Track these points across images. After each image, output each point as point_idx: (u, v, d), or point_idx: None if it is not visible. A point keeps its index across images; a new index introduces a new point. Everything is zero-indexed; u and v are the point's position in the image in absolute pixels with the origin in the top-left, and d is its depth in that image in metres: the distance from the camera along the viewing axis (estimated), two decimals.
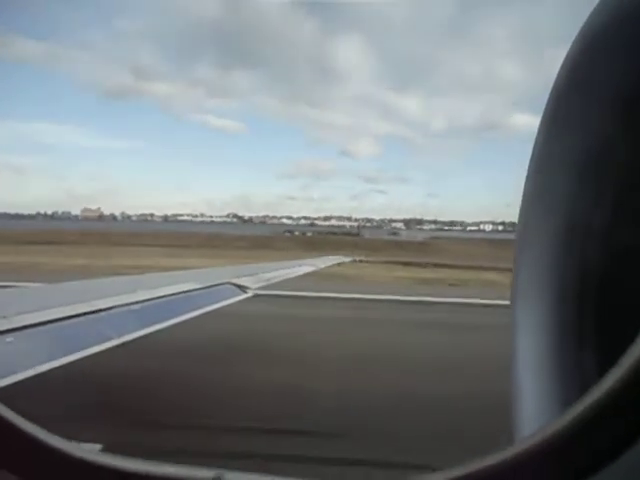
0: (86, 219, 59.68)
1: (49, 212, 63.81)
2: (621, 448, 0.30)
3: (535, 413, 0.66)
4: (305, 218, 67.39)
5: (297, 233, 41.47)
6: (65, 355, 1.98)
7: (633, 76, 0.60)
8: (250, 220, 65.71)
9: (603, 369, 0.62)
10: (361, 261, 12.94)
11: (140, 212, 66.67)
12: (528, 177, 0.76)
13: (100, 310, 2.44)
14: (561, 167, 0.70)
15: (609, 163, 0.65)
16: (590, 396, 0.32)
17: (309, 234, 41.54)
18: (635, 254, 0.63)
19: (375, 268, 15.66)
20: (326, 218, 66.93)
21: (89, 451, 0.40)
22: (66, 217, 62.21)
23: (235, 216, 67.32)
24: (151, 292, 3.01)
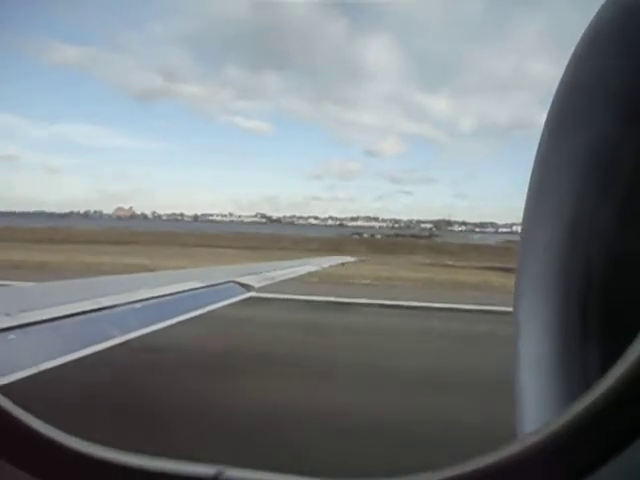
0: (119, 218, 60.55)
1: (82, 211, 64.86)
2: (622, 445, 0.30)
3: (539, 414, 0.66)
4: (332, 218, 66.16)
5: (366, 235, 40.53)
6: (65, 354, 1.98)
7: (637, 75, 0.59)
8: (278, 220, 65.57)
9: (607, 370, 0.60)
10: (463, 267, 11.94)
11: (170, 211, 67.20)
12: (532, 177, 0.75)
13: (103, 308, 2.45)
14: (566, 167, 0.69)
15: (614, 163, 0.64)
16: (591, 394, 0.32)
17: (378, 236, 40.75)
18: (638, 255, 0.62)
19: (483, 275, 13.69)
20: (353, 219, 65.28)
21: (91, 446, 0.40)
22: (99, 216, 63.10)
23: (263, 216, 67.09)
24: (154, 291, 3.02)
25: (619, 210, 0.65)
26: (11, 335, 1.92)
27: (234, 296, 3.85)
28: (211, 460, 0.41)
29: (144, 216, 64.67)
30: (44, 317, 2.12)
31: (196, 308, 3.24)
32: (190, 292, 3.44)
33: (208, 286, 3.73)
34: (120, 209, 65.22)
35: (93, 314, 2.40)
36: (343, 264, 7.89)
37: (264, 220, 65.44)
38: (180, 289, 3.34)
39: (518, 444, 0.32)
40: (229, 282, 4.02)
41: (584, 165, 0.67)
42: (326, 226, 59.91)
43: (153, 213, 66.32)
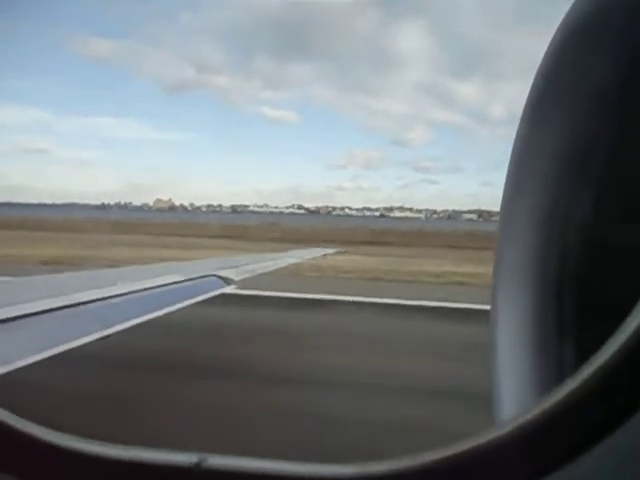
0: (158, 210, 59.36)
1: (112, 202, 63.62)
2: (599, 436, 0.30)
3: (515, 400, 0.67)
4: (368, 209, 63.75)
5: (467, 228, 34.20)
6: (35, 352, 1.93)
7: (614, 68, 0.60)
8: (317, 211, 64.00)
9: (582, 359, 0.61)
10: None
11: (207, 203, 65.67)
12: (510, 168, 0.76)
13: (76, 304, 2.39)
14: (542, 159, 0.70)
15: (591, 156, 0.65)
16: (568, 384, 0.32)
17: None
18: (615, 247, 0.63)
19: None
20: (387, 209, 62.56)
21: (63, 437, 0.39)
22: (139, 208, 61.68)
23: (300, 207, 65.29)
24: (132, 285, 2.97)
25: (595, 200, 0.66)
26: None
27: (213, 290, 3.81)
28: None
29: (183, 208, 63.42)
30: (16, 313, 2.06)
31: (170, 304, 3.14)
32: (167, 286, 3.39)
33: (187, 280, 3.68)
34: (159, 200, 64.28)
35: (65, 310, 2.34)
36: (325, 255, 7.92)
37: (302, 211, 63.85)
38: (158, 283, 3.29)
39: (496, 431, 0.32)
40: (210, 276, 3.98)
41: (560, 158, 0.68)
42: (364, 217, 57.46)
43: (191, 204, 65.07)
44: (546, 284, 0.70)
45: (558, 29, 0.66)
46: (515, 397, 0.67)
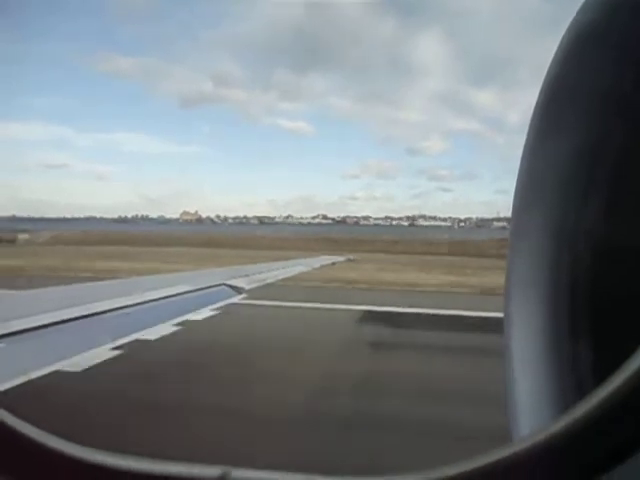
0: (185, 222, 59.97)
1: (139, 215, 64.56)
2: (621, 455, 0.30)
3: (531, 407, 0.67)
4: (389, 218, 63.45)
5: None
6: (53, 362, 1.96)
7: (621, 74, 0.60)
8: (344, 221, 63.65)
9: (598, 363, 0.62)
10: None
11: (234, 214, 66.19)
12: (519, 178, 0.76)
13: (91, 315, 2.42)
14: (552, 165, 0.70)
15: (599, 162, 0.65)
16: (591, 399, 0.31)
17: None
18: (624, 251, 0.63)
19: None
20: (409, 218, 62.00)
21: (90, 451, 0.39)
22: (166, 220, 62.62)
23: (325, 217, 64.93)
24: (145, 295, 2.99)
25: (605, 206, 0.66)
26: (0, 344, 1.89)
27: (223, 299, 3.82)
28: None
29: (210, 220, 63.92)
30: (34, 324, 2.09)
31: (181, 314, 3.16)
32: (179, 296, 3.40)
33: (198, 289, 3.70)
34: (186, 213, 64.94)
35: (81, 321, 2.37)
36: (334, 263, 7.91)
37: (329, 221, 63.40)
38: (170, 293, 3.31)
39: (516, 446, 0.32)
40: (220, 285, 3.99)
41: (569, 164, 0.68)
42: (390, 226, 57.11)
43: (217, 216, 65.52)
44: (559, 291, 0.69)
45: (562, 38, 0.66)
46: (532, 401, 0.67)
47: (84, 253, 19.24)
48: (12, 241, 29.70)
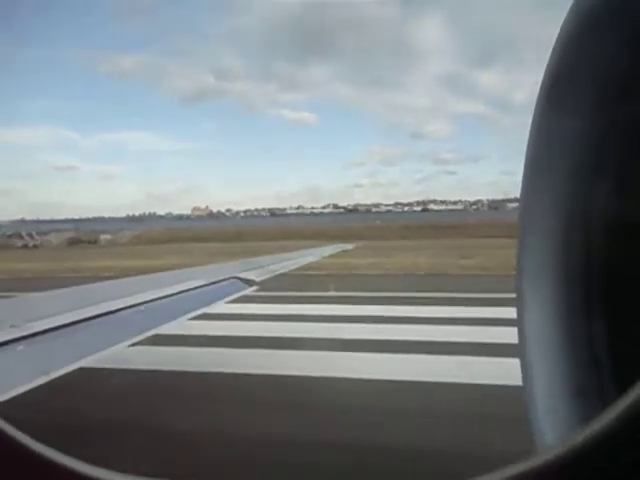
0: (198, 218, 60.40)
1: (146, 213, 65.24)
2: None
3: (548, 390, 0.67)
4: (399, 204, 61.22)
5: None
6: (73, 361, 2.00)
7: (624, 55, 0.59)
8: (356, 209, 62.98)
9: (613, 345, 0.61)
10: None
11: (243, 208, 66.16)
12: (527, 157, 0.75)
13: (108, 313, 2.45)
14: (559, 146, 0.69)
15: (607, 142, 0.64)
16: (611, 410, 0.30)
17: None
18: (636, 232, 0.63)
19: None
20: (418, 203, 59.20)
21: (88, 466, 0.39)
22: (178, 217, 63.30)
23: (336, 206, 64.12)
24: (158, 292, 3.02)
25: (615, 183, 0.65)
26: (19, 346, 1.93)
27: (235, 292, 3.85)
28: None
29: (221, 214, 63.89)
30: (51, 325, 2.13)
31: (193, 309, 3.20)
32: (191, 291, 3.43)
33: (210, 284, 3.73)
34: (197, 209, 65.12)
35: (97, 319, 2.41)
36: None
37: (341, 210, 62.76)
38: (182, 288, 3.34)
39: (537, 459, 0.31)
40: (231, 278, 4.02)
41: (577, 146, 0.67)
42: (403, 212, 55.77)
43: (228, 210, 65.45)
44: (572, 271, 0.69)
45: (564, 21, 0.65)
46: (548, 385, 0.67)
47: (196, 250, 19.14)
48: (94, 242, 30.57)
